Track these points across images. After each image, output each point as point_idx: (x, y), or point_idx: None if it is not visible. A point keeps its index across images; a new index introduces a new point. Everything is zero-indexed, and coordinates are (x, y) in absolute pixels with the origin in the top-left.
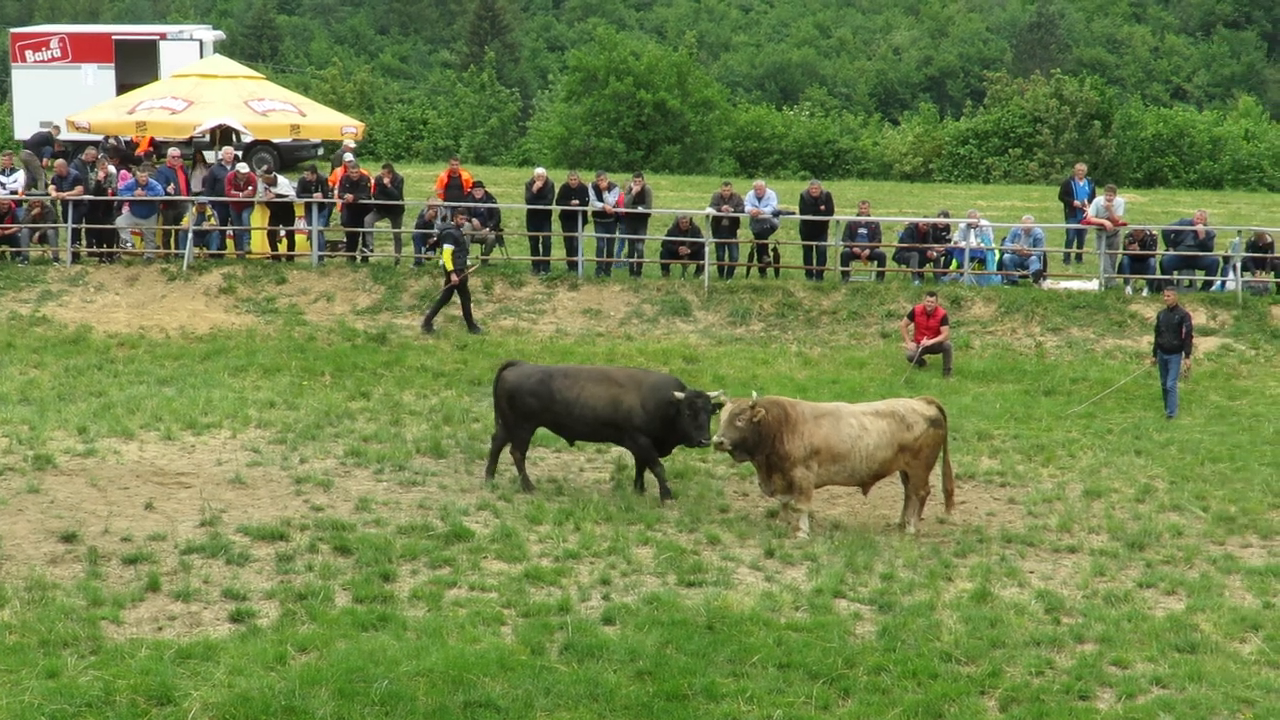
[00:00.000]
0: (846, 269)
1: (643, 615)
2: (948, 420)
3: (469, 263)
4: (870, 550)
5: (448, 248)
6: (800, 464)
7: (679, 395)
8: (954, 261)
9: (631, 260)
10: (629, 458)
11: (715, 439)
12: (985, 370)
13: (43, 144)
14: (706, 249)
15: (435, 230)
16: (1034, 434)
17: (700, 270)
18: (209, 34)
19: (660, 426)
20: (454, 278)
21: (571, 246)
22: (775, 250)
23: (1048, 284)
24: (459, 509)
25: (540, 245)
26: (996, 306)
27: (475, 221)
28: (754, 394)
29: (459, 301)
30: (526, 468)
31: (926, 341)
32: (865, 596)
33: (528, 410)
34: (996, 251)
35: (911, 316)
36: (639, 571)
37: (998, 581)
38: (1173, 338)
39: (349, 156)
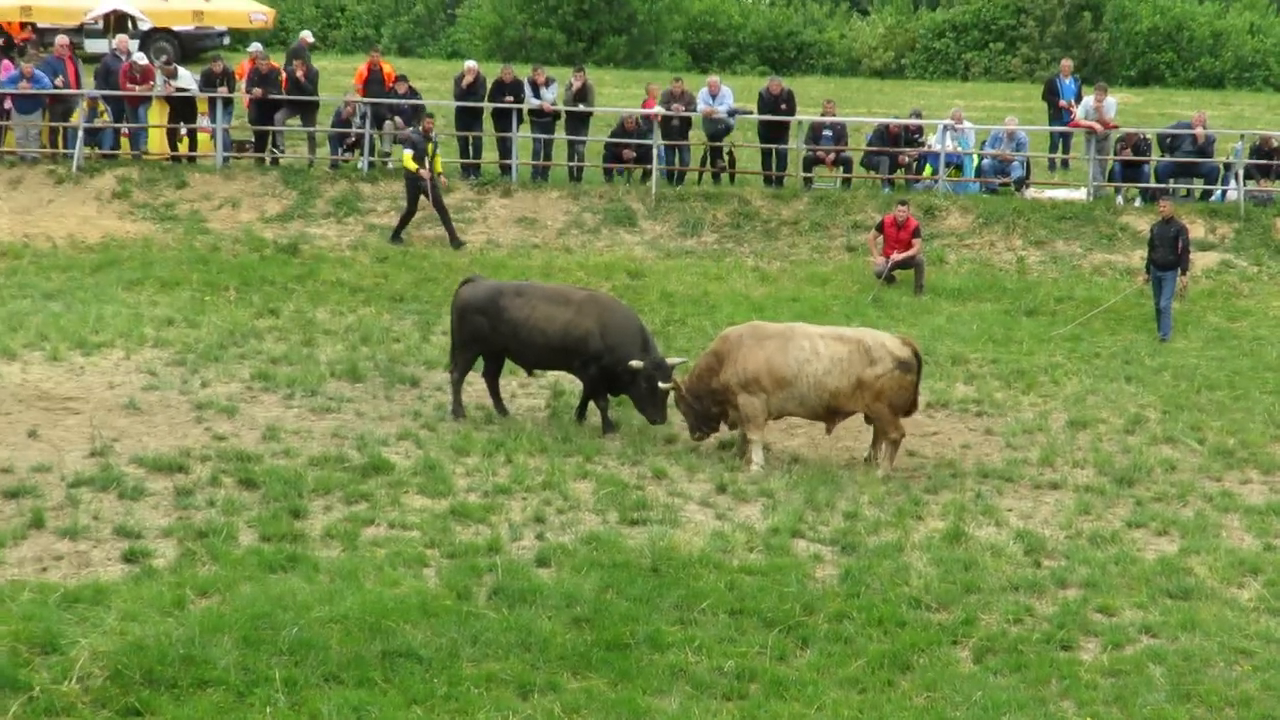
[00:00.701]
0: (809, 175)
1: (580, 556)
2: (922, 366)
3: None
4: (832, 486)
5: (406, 151)
6: (740, 391)
7: (635, 365)
8: (928, 167)
9: (572, 164)
10: (566, 382)
11: (692, 436)
12: (961, 288)
13: None
14: (654, 152)
15: (352, 131)
16: (1014, 358)
17: (647, 176)
18: None
19: (615, 361)
20: (423, 173)
21: (505, 148)
22: (730, 154)
23: (1031, 193)
24: (377, 439)
25: (470, 147)
26: (974, 217)
27: (398, 120)
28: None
29: (406, 212)
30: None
31: (897, 256)
32: (826, 536)
33: (475, 330)
34: (975, 156)
35: (880, 228)
36: (576, 508)
37: (972, 521)
38: (1168, 253)
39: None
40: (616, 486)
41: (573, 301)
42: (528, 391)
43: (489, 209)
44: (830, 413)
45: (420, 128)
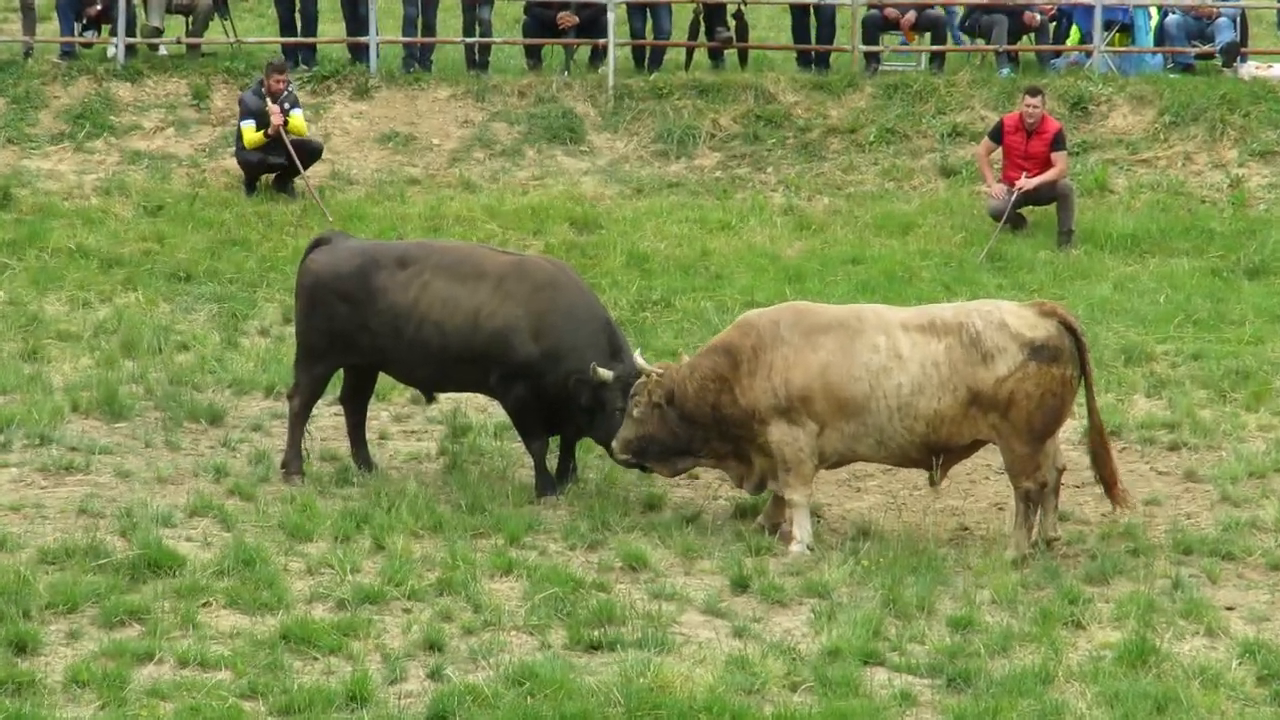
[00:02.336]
0: (874, 48)
1: (506, 706)
2: (1087, 347)
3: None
4: (929, 575)
5: (246, 124)
6: (775, 419)
7: (604, 374)
8: (1074, 31)
9: (472, 40)
10: (473, 408)
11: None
12: (1136, 233)
13: None
14: (610, 18)
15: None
16: (1230, 350)
17: (599, 58)
18: None
19: (557, 376)
20: (271, 129)
21: (357, 19)
22: (739, 16)
23: (1249, 70)
24: (155, 515)
25: (299, 18)
26: (1155, 114)
27: None
28: (640, 355)
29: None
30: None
31: (1026, 182)
32: (921, 662)
33: (333, 325)
34: (1153, 11)
35: (997, 135)
36: (496, 625)
37: (1168, 628)
38: None
39: None
40: (563, 585)
41: (488, 274)
42: (407, 429)
43: (334, 119)
44: (930, 452)
45: (261, 86)
